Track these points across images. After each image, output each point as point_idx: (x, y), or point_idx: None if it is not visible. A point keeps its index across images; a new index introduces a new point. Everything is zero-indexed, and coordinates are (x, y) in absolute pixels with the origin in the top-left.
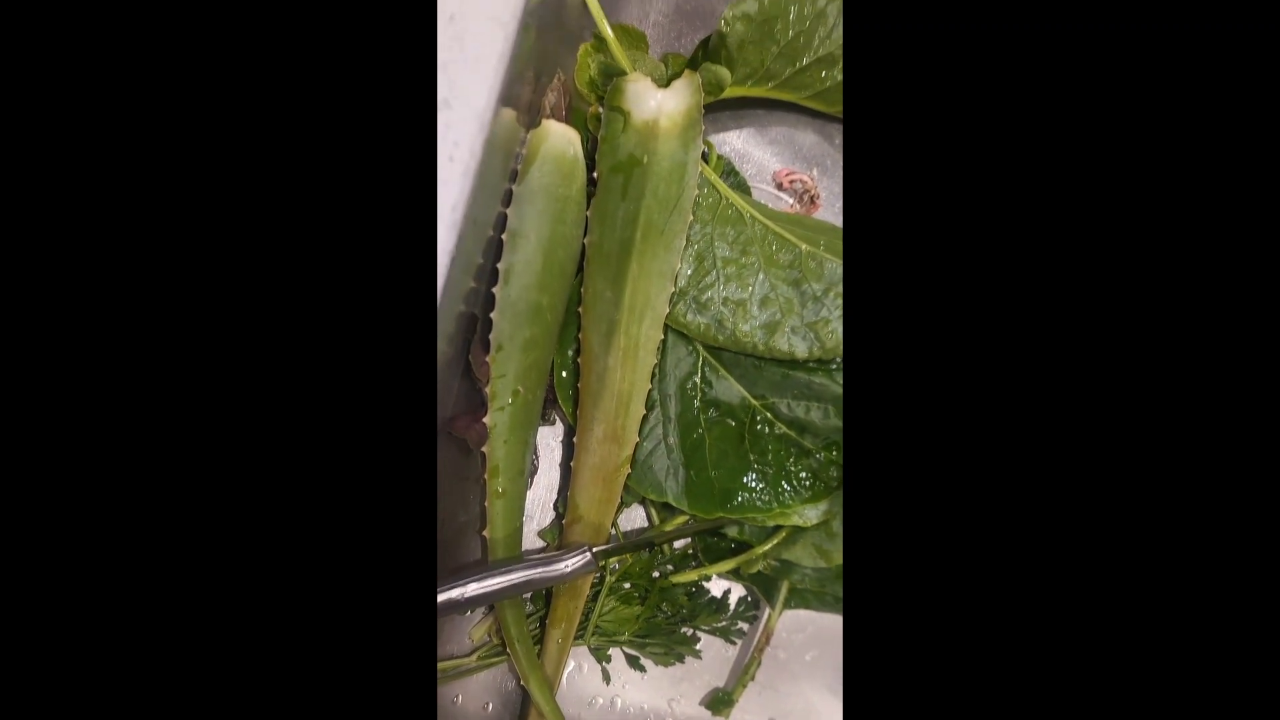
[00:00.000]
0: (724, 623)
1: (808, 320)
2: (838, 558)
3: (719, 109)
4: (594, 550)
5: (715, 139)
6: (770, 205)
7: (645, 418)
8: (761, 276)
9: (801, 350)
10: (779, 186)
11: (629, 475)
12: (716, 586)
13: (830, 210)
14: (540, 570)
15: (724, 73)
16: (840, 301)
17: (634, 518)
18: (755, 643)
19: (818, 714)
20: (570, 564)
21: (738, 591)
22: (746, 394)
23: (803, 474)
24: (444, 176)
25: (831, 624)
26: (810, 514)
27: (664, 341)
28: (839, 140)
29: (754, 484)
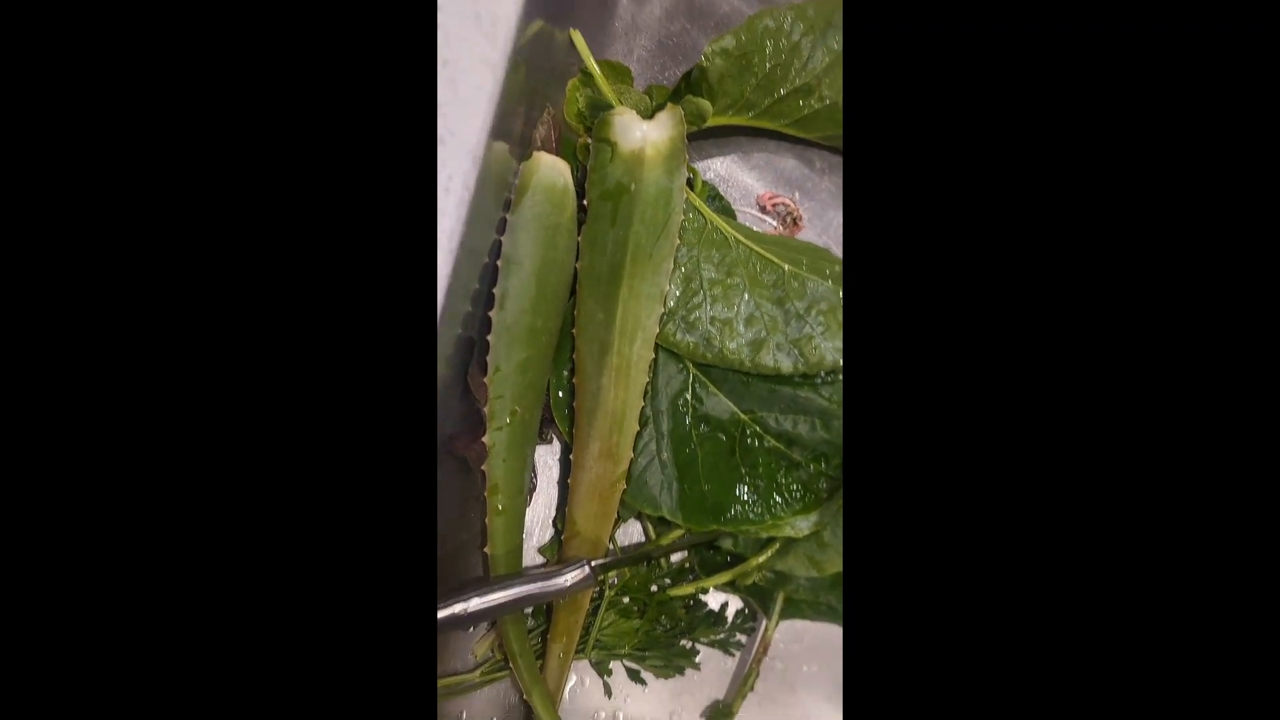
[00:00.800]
0: (722, 635)
1: (791, 337)
2: (830, 567)
3: (703, 137)
4: (592, 564)
5: (700, 165)
6: (754, 228)
7: (639, 434)
8: (746, 296)
9: (786, 365)
10: (762, 209)
11: (625, 490)
12: (714, 600)
13: (812, 230)
14: (540, 585)
15: (705, 104)
16: (822, 319)
17: (632, 533)
18: (753, 654)
19: None
20: (569, 578)
21: (735, 605)
22: (736, 409)
23: (793, 486)
24: (441, 208)
25: (828, 635)
26: (802, 525)
27: (655, 360)
28: (819, 164)
29: (746, 497)
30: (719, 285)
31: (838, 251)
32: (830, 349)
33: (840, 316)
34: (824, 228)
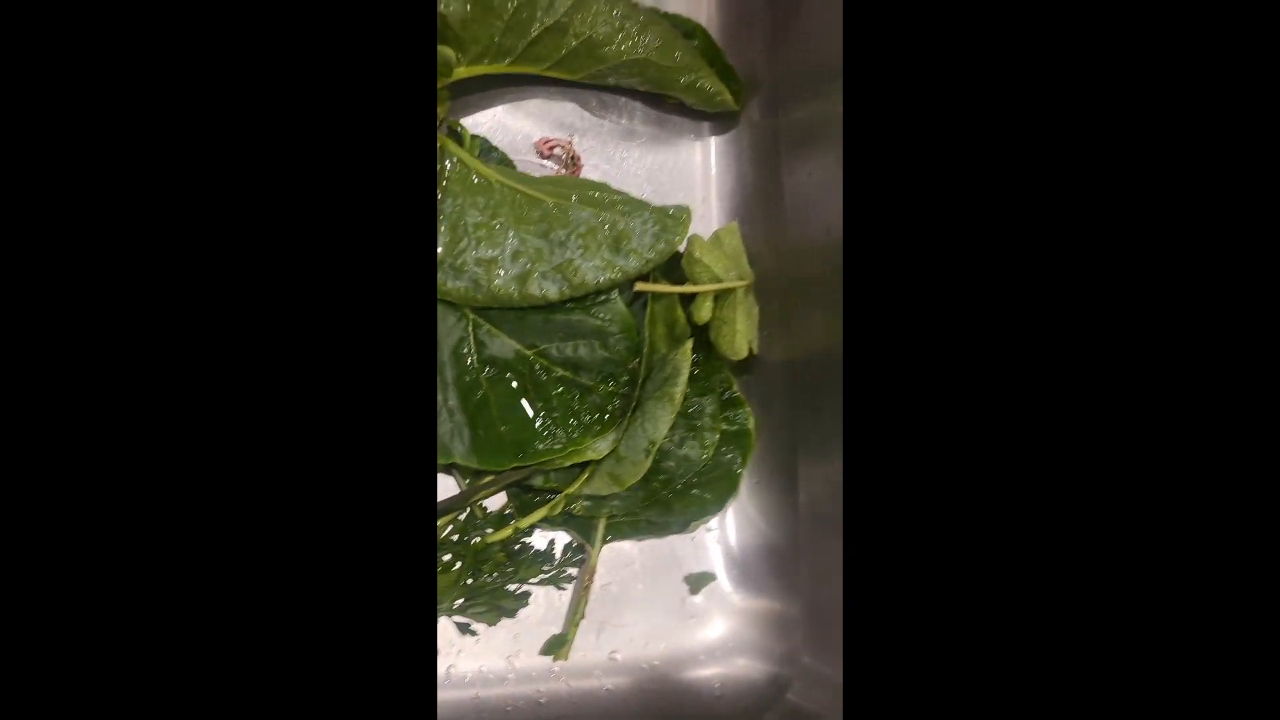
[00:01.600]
0: (551, 572)
1: (555, 264)
2: (628, 479)
3: (470, 91)
4: None
5: (471, 120)
6: (535, 174)
7: None
8: (511, 234)
9: (553, 292)
10: (542, 156)
11: None
12: (541, 541)
13: (596, 172)
14: None
15: (448, 52)
16: (580, 241)
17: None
18: (581, 582)
19: (660, 637)
20: None
21: (564, 540)
22: (519, 346)
23: (588, 410)
24: None
25: (655, 556)
26: (601, 446)
27: None
28: (595, 103)
29: (545, 430)
30: (484, 228)
31: (616, 184)
32: (590, 268)
33: (599, 238)
34: (610, 168)
